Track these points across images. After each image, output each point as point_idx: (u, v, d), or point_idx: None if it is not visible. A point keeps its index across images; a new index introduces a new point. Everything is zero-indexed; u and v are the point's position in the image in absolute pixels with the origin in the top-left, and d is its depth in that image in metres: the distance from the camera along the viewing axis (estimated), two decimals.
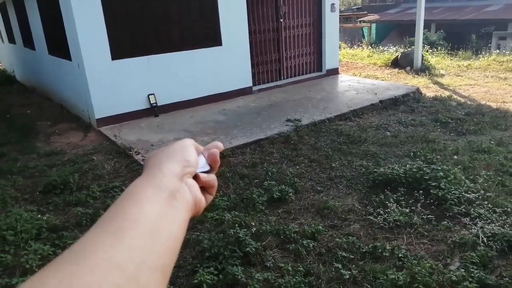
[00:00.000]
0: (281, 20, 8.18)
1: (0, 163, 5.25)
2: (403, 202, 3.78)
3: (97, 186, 4.37)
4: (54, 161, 5.23)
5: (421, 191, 3.88)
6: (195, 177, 0.55)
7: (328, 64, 9.10)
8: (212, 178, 0.57)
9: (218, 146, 0.61)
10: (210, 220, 3.62)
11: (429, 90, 8.08)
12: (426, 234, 3.36)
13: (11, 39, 10.42)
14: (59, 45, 6.83)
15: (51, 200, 4.20)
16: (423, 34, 10.34)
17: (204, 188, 0.57)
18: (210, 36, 7.19)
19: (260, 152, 5.21)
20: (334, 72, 9.28)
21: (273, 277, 2.91)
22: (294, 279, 2.86)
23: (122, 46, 6.32)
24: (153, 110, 6.74)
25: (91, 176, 4.69)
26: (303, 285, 2.82)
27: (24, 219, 3.67)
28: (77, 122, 6.82)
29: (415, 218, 3.54)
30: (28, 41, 8.83)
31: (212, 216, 3.65)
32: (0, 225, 3.58)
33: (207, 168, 0.58)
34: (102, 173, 4.76)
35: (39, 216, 3.82)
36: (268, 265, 3.06)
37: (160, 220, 0.43)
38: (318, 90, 8.03)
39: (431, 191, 3.83)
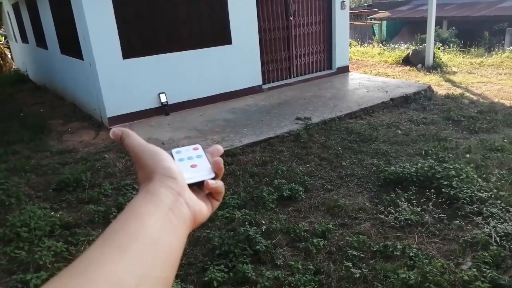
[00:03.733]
0: (291, 18, 8.16)
1: (13, 161, 5.33)
2: (414, 201, 3.75)
3: (109, 184, 4.41)
4: (66, 159, 5.29)
5: (432, 190, 3.84)
6: (202, 184, 0.55)
7: (339, 62, 9.05)
8: (219, 184, 0.57)
9: (219, 150, 0.61)
10: (220, 218, 3.64)
11: (441, 88, 7.99)
12: (438, 233, 3.33)
13: (24, 39, 10.56)
14: (71, 44, 6.90)
15: (64, 197, 4.25)
16: (435, 31, 10.23)
17: (211, 194, 0.57)
18: (220, 34, 7.21)
19: (270, 150, 5.21)
20: (345, 70, 9.23)
21: (283, 275, 2.91)
22: (304, 277, 2.86)
23: (133, 45, 6.37)
24: (164, 109, 6.78)
25: (103, 174, 4.74)
26: (313, 284, 2.81)
27: (38, 216, 3.72)
28: (89, 120, 6.89)
29: (426, 217, 3.51)
30: (41, 41, 8.94)
31: (222, 214, 3.67)
32: (15, 222, 3.64)
33: (213, 175, 0.57)
34: (114, 171, 4.80)
35: (52, 213, 3.87)
36: (278, 263, 3.06)
37: (160, 235, 0.44)
38: (328, 88, 8.00)
39: (443, 190, 3.79)
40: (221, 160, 0.58)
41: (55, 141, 6.07)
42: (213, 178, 0.57)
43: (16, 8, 10.37)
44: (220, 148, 0.62)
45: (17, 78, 11.56)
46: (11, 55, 13.51)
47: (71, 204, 4.13)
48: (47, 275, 2.97)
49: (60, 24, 7.39)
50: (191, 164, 0.59)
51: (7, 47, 13.60)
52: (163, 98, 6.75)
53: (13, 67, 13.15)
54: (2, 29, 13.97)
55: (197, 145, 0.63)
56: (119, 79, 6.35)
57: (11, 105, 8.58)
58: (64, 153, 5.53)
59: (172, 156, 0.60)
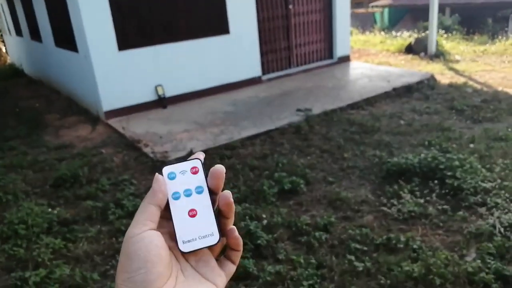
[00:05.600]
0: (290, 7, 8.03)
1: (10, 156, 5.27)
2: (417, 193, 3.70)
3: (107, 179, 4.36)
4: (63, 154, 5.23)
5: (436, 181, 3.80)
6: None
7: (340, 51, 8.93)
8: (238, 236, 0.48)
9: (220, 173, 0.49)
10: None
11: (444, 76, 7.89)
12: (442, 225, 3.29)
13: (19, 32, 10.44)
14: (66, 37, 6.80)
15: (61, 193, 4.21)
16: (438, 19, 10.08)
17: (226, 254, 0.49)
18: (218, 24, 7.09)
19: (270, 143, 5.14)
20: (346, 59, 9.11)
21: (285, 269, 2.88)
22: (306, 272, 2.82)
23: (128, 37, 6.27)
24: (161, 102, 6.69)
25: (100, 169, 4.68)
26: (315, 278, 2.78)
27: (35, 213, 3.69)
28: (86, 114, 6.82)
29: (430, 209, 3.46)
30: (35, 34, 8.83)
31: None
32: (12, 219, 3.62)
33: (218, 237, 0.47)
34: (111, 166, 4.75)
35: (49, 209, 3.85)
36: (280, 257, 3.03)
37: None
38: (329, 78, 7.90)
39: (447, 180, 3.75)
40: (229, 195, 0.48)
41: (51, 136, 6.01)
42: (223, 218, 0.48)
43: (9, 0, 10.24)
44: (221, 170, 0.50)
45: (12, 72, 11.47)
46: (5, 48, 13.41)
47: (68, 200, 4.08)
48: (46, 272, 2.95)
49: (54, 16, 7.28)
50: (190, 208, 0.48)
51: (1, 41, 13.49)
52: (160, 91, 6.66)
53: (8, 61, 13.05)
54: None
55: (196, 162, 0.50)
56: (115, 72, 6.26)
57: (6, 99, 8.50)
58: (60, 148, 5.47)
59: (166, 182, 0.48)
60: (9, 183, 4.48)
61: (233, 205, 0.49)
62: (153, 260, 0.43)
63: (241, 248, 0.49)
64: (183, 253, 0.47)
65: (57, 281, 2.88)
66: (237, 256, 0.50)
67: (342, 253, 3.04)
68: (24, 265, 3.14)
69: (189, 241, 0.46)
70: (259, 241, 3.11)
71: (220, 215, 0.49)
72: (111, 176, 4.48)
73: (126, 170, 4.65)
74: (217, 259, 0.49)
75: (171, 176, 0.49)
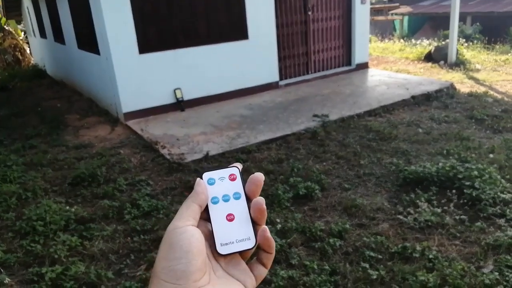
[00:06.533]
0: (309, 13, 8.04)
1: (30, 155, 5.39)
2: (434, 202, 3.64)
3: (124, 180, 4.41)
4: (82, 154, 5.32)
5: (454, 191, 3.73)
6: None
7: (358, 58, 8.89)
8: (270, 237, 0.48)
9: (259, 180, 0.51)
10: None
11: (464, 85, 7.77)
12: (459, 235, 3.23)
13: (43, 34, 10.70)
14: (88, 39, 6.94)
15: (79, 192, 4.27)
16: (458, 27, 9.95)
17: (258, 257, 0.49)
18: (237, 29, 7.14)
19: (286, 147, 5.14)
20: (364, 66, 9.06)
21: (298, 275, 2.87)
22: (319, 278, 2.80)
23: (149, 40, 6.36)
24: (179, 105, 6.76)
25: (118, 169, 4.75)
26: (328, 284, 2.76)
27: (53, 210, 3.76)
28: (105, 115, 6.93)
29: (447, 219, 3.40)
30: (59, 36, 9.03)
31: None
32: (31, 215, 3.68)
33: (254, 242, 0.48)
34: (129, 166, 4.81)
35: (67, 207, 3.90)
36: (293, 262, 3.01)
37: None
38: (347, 84, 7.86)
39: (465, 190, 3.68)
40: (262, 202, 0.49)
41: (71, 135, 6.12)
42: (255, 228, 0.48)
43: (35, 3, 10.51)
44: (260, 177, 0.51)
45: (35, 73, 11.73)
46: (30, 50, 13.74)
47: (86, 199, 4.15)
48: (61, 269, 2.99)
49: (77, 19, 7.45)
50: (228, 212, 0.49)
51: (26, 42, 13.83)
52: (179, 94, 6.73)
53: (32, 62, 13.37)
54: (22, 24, 14.22)
55: (234, 170, 0.52)
56: (136, 75, 6.36)
57: (29, 99, 8.71)
58: (80, 147, 5.57)
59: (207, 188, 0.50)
60: (29, 180, 4.58)
61: (266, 211, 0.50)
62: (194, 252, 0.45)
63: (273, 251, 0.49)
64: (220, 255, 0.48)
65: (72, 278, 2.92)
66: (269, 259, 0.50)
67: (356, 261, 3.01)
68: (41, 261, 3.20)
69: (226, 244, 0.47)
70: None
71: (253, 222, 0.50)
72: (128, 176, 4.54)
73: (143, 171, 4.71)
74: (248, 263, 0.50)
75: (211, 182, 0.51)
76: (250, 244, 0.48)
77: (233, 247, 0.47)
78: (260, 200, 0.49)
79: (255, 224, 0.49)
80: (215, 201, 0.50)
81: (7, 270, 3.13)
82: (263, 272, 0.50)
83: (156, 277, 0.44)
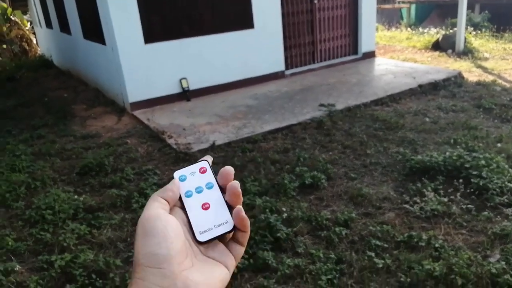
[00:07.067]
0: (315, 1, 7.96)
1: (39, 144, 5.43)
2: (441, 191, 3.64)
3: (131, 169, 4.44)
4: (89, 143, 5.36)
5: (461, 180, 3.72)
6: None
7: (364, 47, 8.81)
8: (245, 217, 0.49)
9: (229, 173, 0.52)
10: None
11: (472, 74, 7.69)
12: (465, 224, 3.23)
13: (49, 24, 10.70)
14: (94, 29, 6.94)
15: (87, 181, 4.31)
16: (466, 15, 9.82)
17: (233, 237, 0.50)
18: (242, 18, 7.10)
19: (292, 137, 5.13)
20: (371, 55, 8.98)
21: (304, 263, 2.89)
22: (325, 266, 2.82)
23: (154, 30, 6.35)
24: (185, 95, 6.76)
25: (125, 159, 4.78)
26: (334, 273, 2.78)
27: (62, 199, 3.80)
28: (112, 105, 6.95)
29: (453, 208, 3.40)
30: (64, 26, 9.03)
31: (243, 201, 3.63)
32: (40, 204, 3.73)
33: (232, 224, 0.49)
34: (136, 156, 4.84)
35: (75, 196, 3.94)
36: (299, 251, 3.03)
37: None
38: (353, 73, 7.81)
39: (472, 180, 3.67)
40: (237, 185, 0.50)
41: (78, 125, 6.16)
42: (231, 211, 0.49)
43: None
44: (230, 170, 0.52)
45: (42, 63, 11.76)
46: (36, 40, 13.75)
47: (94, 188, 4.18)
48: (70, 257, 3.03)
49: (83, 9, 7.44)
50: (203, 202, 0.50)
51: (32, 33, 13.83)
52: (185, 84, 6.73)
53: (38, 52, 13.39)
54: (28, 15, 14.21)
55: (204, 163, 0.53)
56: (141, 64, 6.36)
57: (36, 89, 8.74)
58: (87, 137, 5.60)
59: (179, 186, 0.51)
60: (37, 170, 4.63)
61: (241, 195, 0.50)
62: (172, 236, 0.45)
63: (248, 229, 0.50)
64: (200, 243, 0.48)
65: (81, 266, 2.96)
66: (245, 237, 0.50)
67: (362, 249, 3.02)
68: (50, 249, 3.24)
69: (205, 231, 0.48)
70: (278, 234, 3.12)
71: (229, 207, 0.51)
72: (135, 165, 4.57)
73: (150, 160, 4.74)
74: (224, 243, 0.51)
75: (182, 178, 0.52)
76: (228, 227, 0.49)
77: (212, 233, 0.48)
78: (235, 184, 0.50)
79: (231, 208, 0.50)
80: (188, 194, 0.51)
81: (17, 257, 3.18)
82: (240, 251, 0.50)
83: (139, 264, 0.44)
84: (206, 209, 0.50)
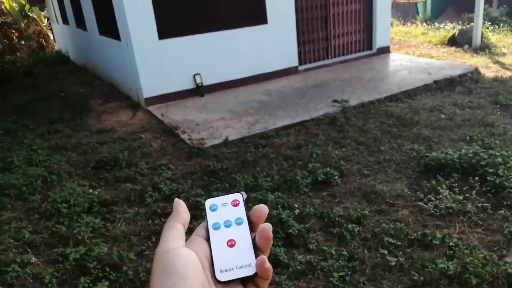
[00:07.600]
0: None
1: (55, 139, 5.52)
2: (456, 189, 3.59)
3: (145, 164, 4.49)
4: (105, 138, 5.43)
5: (476, 178, 3.66)
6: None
7: (379, 42, 8.71)
8: (269, 268, 0.45)
9: (263, 212, 0.49)
10: (253, 200, 3.62)
11: (489, 70, 7.55)
12: (481, 223, 3.18)
13: (65, 21, 10.84)
14: (109, 25, 7.00)
15: (102, 175, 4.37)
16: (484, 10, 9.61)
17: (253, 280, 0.46)
18: (256, 14, 7.08)
19: (304, 133, 5.12)
20: (385, 50, 8.88)
21: (315, 259, 2.88)
22: (337, 263, 2.81)
23: (168, 26, 6.37)
24: (199, 90, 6.79)
25: (140, 153, 4.83)
26: (346, 270, 2.77)
27: (77, 193, 3.86)
28: (127, 101, 7.02)
29: (469, 206, 3.35)
30: (80, 22, 9.14)
31: (255, 197, 3.64)
32: (56, 198, 3.79)
33: (254, 270, 0.45)
34: (150, 151, 4.88)
35: (90, 190, 4.00)
36: (311, 247, 3.03)
37: None
38: (367, 69, 7.73)
39: (488, 178, 3.61)
40: (270, 229, 0.47)
41: (94, 120, 6.24)
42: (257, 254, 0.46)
43: None
44: (264, 210, 0.49)
45: (58, 58, 11.95)
46: (53, 36, 13.94)
47: (108, 182, 4.24)
48: (85, 250, 3.08)
49: (98, 5, 7.51)
50: (229, 238, 0.48)
51: (49, 29, 14.03)
52: (198, 80, 6.75)
53: (55, 48, 13.58)
54: (45, 11, 14.41)
55: (238, 195, 0.51)
56: (156, 60, 6.40)
57: (53, 84, 8.89)
58: (102, 132, 5.67)
59: (206, 215, 0.50)
60: (53, 163, 4.70)
61: (271, 240, 0.47)
62: (191, 277, 0.43)
63: (270, 277, 0.47)
64: (219, 282, 0.46)
65: (95, 259, 3.01)
66: (265, 283, 0.47)
67: (374, 247, 3.00)
68: (65, 242, 3.30)
69: (226, 270, 0.46)
70: (290, 230, 3.12)
71: (256, 248, 0.48)
72: (149, 160, 4.61)
73: (164, 155, 4.77)
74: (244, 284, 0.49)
75: (213, 208, 0.51)
76: (250, 271, 0.46)
77: (233, 274, 0.46)
78: (267, 227, 0.47)
79: (257, 250, 0.48)
80: (216, 226, 0.49)
81: (33, 250, 3.25)
82: None
83: None
84: (231, 246, 0.48)
